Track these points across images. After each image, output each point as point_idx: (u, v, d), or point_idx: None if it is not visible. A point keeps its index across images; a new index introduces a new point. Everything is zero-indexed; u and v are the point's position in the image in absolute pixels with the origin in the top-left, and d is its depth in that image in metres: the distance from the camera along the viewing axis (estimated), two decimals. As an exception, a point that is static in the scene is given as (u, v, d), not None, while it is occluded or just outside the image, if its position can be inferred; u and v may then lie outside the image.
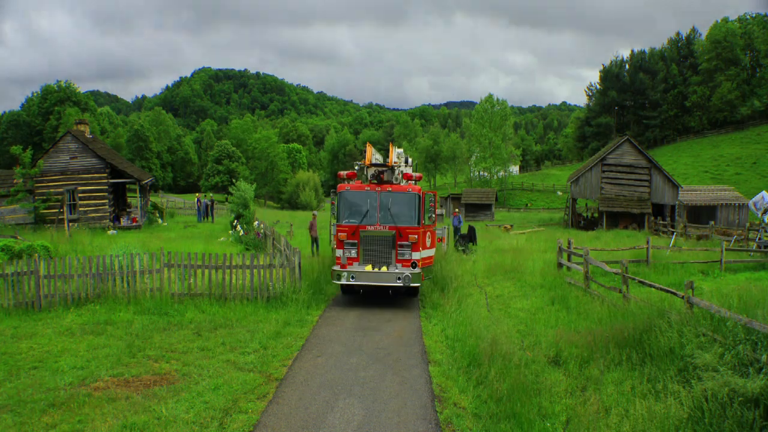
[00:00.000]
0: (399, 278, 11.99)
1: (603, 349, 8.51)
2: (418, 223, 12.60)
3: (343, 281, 12.13)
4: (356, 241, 12.49)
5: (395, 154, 13.89)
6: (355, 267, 12.32)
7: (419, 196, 12.75)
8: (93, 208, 28.84)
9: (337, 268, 12.39)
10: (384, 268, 12.32)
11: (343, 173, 13.77)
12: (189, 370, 7.92)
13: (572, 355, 8.33)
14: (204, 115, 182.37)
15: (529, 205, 68.40)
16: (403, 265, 12.41)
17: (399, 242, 12.42)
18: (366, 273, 12.17)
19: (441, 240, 17.50)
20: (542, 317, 10.95)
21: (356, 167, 13.76)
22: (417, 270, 12.36)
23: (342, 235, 12.60)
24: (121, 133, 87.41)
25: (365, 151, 13.60)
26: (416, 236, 12.47)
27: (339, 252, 12.68)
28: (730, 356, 6.35)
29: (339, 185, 13.26)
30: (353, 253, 12.51)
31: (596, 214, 41.33)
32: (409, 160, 15.29)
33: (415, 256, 12.49)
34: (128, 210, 32.02)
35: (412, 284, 12.00)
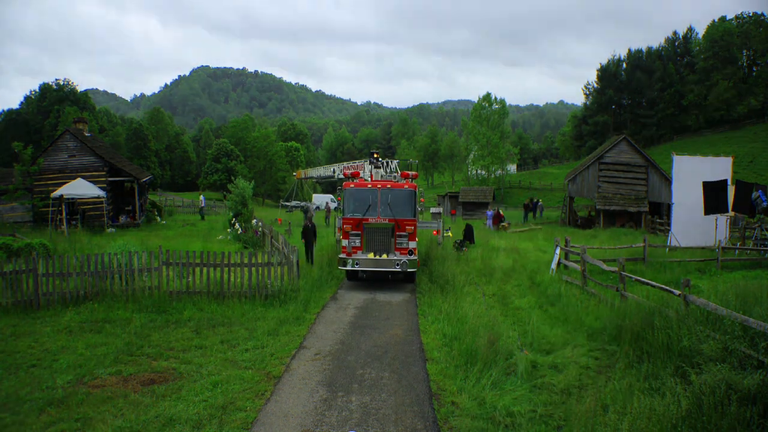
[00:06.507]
0: (398, 264, 13.56)
1: (601, 347, 8.55)
2: (414, 216, 14.17)
3: (349, 267, 13.72)
4: (360, 232, 13.99)
5: (392, 167, 18.13)
6: (359, 255, 13.87)
7: (414, 192, 14.33)
8: (91, 206, 28.79)
9: (343, 255, 13.91)
10: (384, 256, 13.78)
11: (348, 172, 15.37)
12: (187, 368, 7.94)
13: (570, 354, 8.36)
14: (202, 114, 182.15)
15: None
16: (401, 253, 13.92)
17: (397, 233, 13.94)
18: (369, 260, 13.68)
19: (437, 233, 18.70)
20: (539, 315, 10.98)
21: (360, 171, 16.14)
22: (413, 257, 13.92)
23: (347, 227, 14.12)
24: (120, 132, 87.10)
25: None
26: (412, 227, 14.04)
27: (345, 242, 14.15)
28: (728, 352, 6.40)
29: (344, 183, 14.77)
30: (357, 242, 14.01)
31: (593, 213, 41.37)
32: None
33: (411, 244, 14.01)
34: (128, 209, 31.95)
35: (408, 269, 13.62)
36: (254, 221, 23.62)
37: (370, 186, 14.42)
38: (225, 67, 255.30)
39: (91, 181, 27.59)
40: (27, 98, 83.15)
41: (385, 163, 17.75)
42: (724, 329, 6.94)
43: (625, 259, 12.35)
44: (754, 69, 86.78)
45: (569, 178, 42.40)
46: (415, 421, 6.25)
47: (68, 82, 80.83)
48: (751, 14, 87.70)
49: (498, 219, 34.22)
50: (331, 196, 50.93)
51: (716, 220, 19.47)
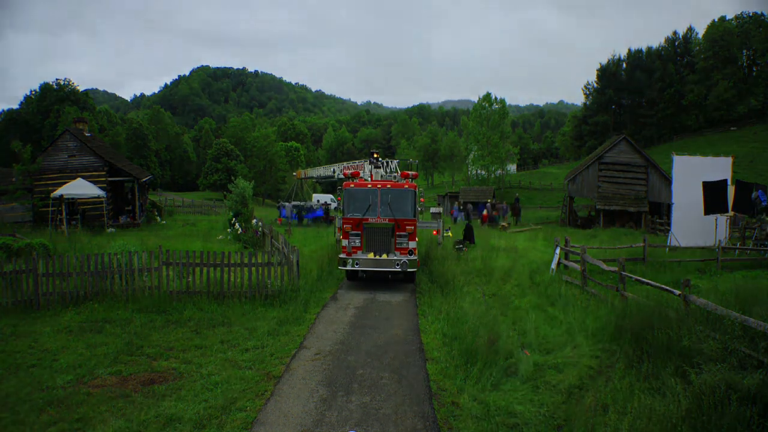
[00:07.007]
0: (398, 264, 13.56)
1: (601, 347, 8.55)
2: (414, 216, 14.18)
3: (349, 267, 13.70)
4: (360, 232, 14.00)
5: (392, 167, 18.30)
6: (359, 255, 13.87)
7: (414, 192, 14.34)
8: (91, 206, 28.78)
9: (343, 255, 13.91)
10: (384, 256, 13.79)
11: (348, 172, 15.40)
12: (187, 368, 7.94)
13: (570, 354, 8.36)
14: (202, 114, 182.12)
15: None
16: (401, 253, 13.94)
17: (397, 232, 13.95)
18: (369, 260, 13.68)
19: (437, 233, 18.87)
20: (539, 315, 10.97)
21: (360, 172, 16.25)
22: (413, 257, 13.90)
23: (347, 227, 14.12)
24: (120, 132, 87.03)
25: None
26: (412, 227, 14.06)
27: (345, 242, 14.17)
28: (728, 352, 6.40)
29: (344, 183, 14.76)
30: (357, 242, 14.02)
31: (593, 213, 41.38)
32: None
33: (411, 244, 14.02)
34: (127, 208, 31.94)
35: (408, 269, 13.62)
36: (254, 221, 23.62)
37: (370, 186, 14.41)
38: (225, 67, 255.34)
39: (91, 181, 27.58)
40: (27, 98, 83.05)
41: (385, 163, 17.79)
42: (724, 329, 6.94)
43: (625, 259, 12.34)
44: (754, 69, 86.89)
45: (569, 178, 42.41)
46: (415, 421, 6.25)
47: (68, 82, 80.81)
48: (751, 14, 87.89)
49: (489, 217, 34.16)
50: (331, 196, 50.91)
51: (716, 220, 19.47)
